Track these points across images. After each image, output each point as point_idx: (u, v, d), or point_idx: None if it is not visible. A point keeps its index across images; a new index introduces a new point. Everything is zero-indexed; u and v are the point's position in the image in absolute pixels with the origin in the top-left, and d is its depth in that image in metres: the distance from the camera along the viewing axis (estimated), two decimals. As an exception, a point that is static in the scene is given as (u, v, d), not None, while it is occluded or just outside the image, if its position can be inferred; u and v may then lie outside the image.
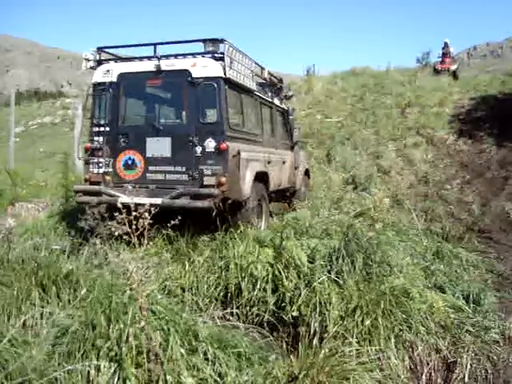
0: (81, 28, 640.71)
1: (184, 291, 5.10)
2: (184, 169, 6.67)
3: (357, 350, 4.16)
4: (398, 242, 6.35)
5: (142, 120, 7.54)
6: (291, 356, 3.86)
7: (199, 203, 6.23)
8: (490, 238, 9.48)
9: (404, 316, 4.55)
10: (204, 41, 6.68)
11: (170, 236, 6.07)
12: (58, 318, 3.82)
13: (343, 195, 10.76)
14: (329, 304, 4.58)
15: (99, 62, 7.31)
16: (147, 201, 5.71)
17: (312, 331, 4.44)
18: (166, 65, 6.77)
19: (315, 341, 4.28)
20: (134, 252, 5.02)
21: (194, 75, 6.58)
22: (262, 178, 7.58)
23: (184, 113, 6.96)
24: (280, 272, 4.99)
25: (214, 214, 6.18)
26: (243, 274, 5.06)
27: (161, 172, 6.80)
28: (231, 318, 4.80)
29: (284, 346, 4.58)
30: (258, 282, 4.98)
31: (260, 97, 8.38)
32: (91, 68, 7.35)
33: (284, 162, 9.25)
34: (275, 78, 9.60)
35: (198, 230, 6.51)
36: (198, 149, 6.56)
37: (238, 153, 6.70)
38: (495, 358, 4.56)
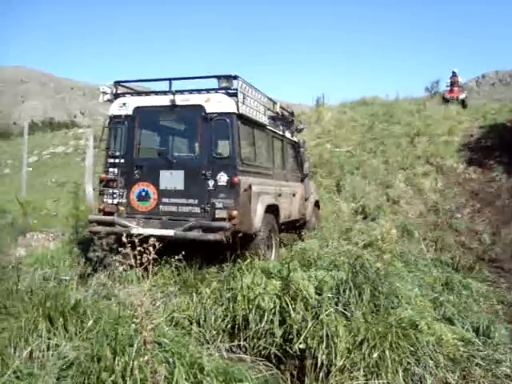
0: (94, 59, 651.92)
1: (191, 323, 5.09)
2: (196, 201, 6.80)
3: (364, 383, 4.11)
4: (406, 273, 6.33)
5: (156, 153, 7.62)
6: (297, 390, 3.83)
7: (211, 236, 6.34)
8: (501, 268, 9.41)
9: (412, 349, 4.48)
10: (218, 77, 6.84)
11: (177, 267, 6.09)
12: (64, 350, 3.84)
13: (352, 225, 10.73)
14: (336, 336, 4.53)
15: (116, 95, 7.52)
16: (160, 232, 6.34)
17: (319, 364, 4.39)
18: (181, 100, 6.97)
19: (322, 374, 4.25)
20: (141, 284, 5.06)
21: (207, 110, 6.76)
22: (272, 210, 7.66)
23: (197, 147, 7.10)
24: (287, 304, 4.95)
25: (224, 246, 6.31)
26: (250, 306, 5.04)
27: (173, 204, 6.91)
28: (238, 350, 4.77)
29: (290, 379, 4.54)
30: (266, 314, 4.94)
31: (271, 130, 8.50)
32: (108, 101, 7.55)
33: (294, 194, 9.30)
34: (287, 111, 9.78)
35: (207, 261, 6.55)
36: (211, 182, 6.71)
37: (250, 187, 6.82)
38: (506, 392, 4.49)
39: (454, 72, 24.10)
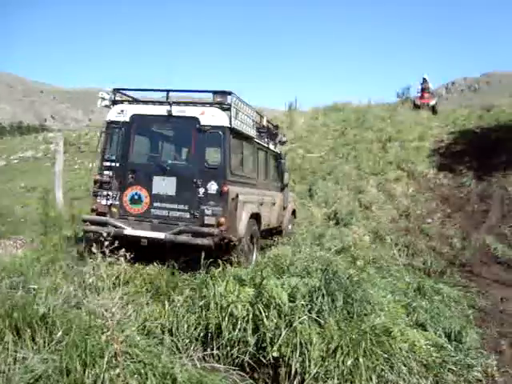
0: (64, 62, 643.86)
1: (164, 332, 5.00)
2: (187, 207, 7.17)
3: (338, 391, 4.10)
4: (379, 279, 6.35)
5: (150, 159, 7.99)
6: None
7: (199, 240, 6.73)
8: (471, 272, 9.53)
9: (386, 355, 4.49)
10: (213, 92, 7.33)
11: (149, 275, 6.01)
12: (32, 363, 3.71)
13: (325, 231, 10.75)
14: (309, 344, 4.51)
15: (114, 102, 7.81)
16: (151, 234, 6.92)
17: (293, 372, 4.37)
18: (177, 111, 7.33)
19: (296, 382, 4.22)
20: (112, 293, 4.95)
21: (202, 122, 7.18)
22: (255, 218, 8.09)
23: (190, 156, 7.58)
24: (260, 312, 4.91)
25: (210, 250, 6.60)
26: (223, 314, 4.97)
27: (164, 208, 7.28)
28: (211, 359, 4.70)
29: (264, 388, 4.50)
30: (239, 322, 4.89)
31: (258, 142, 8.95)
32: (106, 106, 7.85)
33: (274, 203, 9.68)
34: (272, 124, 10.26)
35: (188, 265, 6.51)
36: (201, 190, 7.10)
37: (237, 196, 7.26)
38: (478, 397, 4.52)
39: (424, 78, 24.44)
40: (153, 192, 7.32)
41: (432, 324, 5.51)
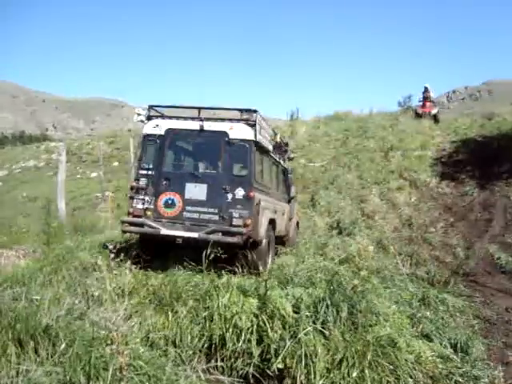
0: (66, 72, 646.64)
1: (167, 343, 4.97)
2: (216, 210, 7.93)
3: (344, 404, 4.06)
4: (383, 290, 6.31)
5: (183, 168, 8.79)
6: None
7: (230, 239, 7.44)
8: (476, 282, 9.48)
9: (391, 367, 4.45)
10: (240, 110, 8.33)
11: (153, 285, 5.97)
12: (35, 376, 3.68)
13: (328, 240, 10.72)
14: (314, 355, 4.48)
15: (149, 117, 8.57)
16: (185, 234, 7.64)
17: (298, 384, 4.33)
18: (209, 126, 8.17)
19: (301, 395, 4.18)
20: (115, 304, 4.93)
21: (230, 136, 8.03)
22: (271, 223, 8.84)
23: (220, 165, 8.29)
24: (265, 323, 4.89)
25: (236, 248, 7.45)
26: (227, 325, 4.96)
27: (196, 212, 8.02)
28: (215, 371, 4.67)
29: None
30: (243, 333, 4.87)
31: (272, 157, 9.85)
32: (141, 121, 8.61)
33: (283, 213, 10.39)
34: (283, 141, 11.00)
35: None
36: (229, 195, 7.89)
37: (259, 202, 8.03)
38: (485, 409, 4.48)
39: (425, 87, 24.46)
40: (185, 197, 8.06)
41: (437, 335, 5.47)
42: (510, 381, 5.03)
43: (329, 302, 5.07)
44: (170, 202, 8.11)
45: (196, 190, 8.07)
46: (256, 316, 5.01)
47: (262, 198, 8.31)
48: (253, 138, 8.04)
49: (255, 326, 4.92)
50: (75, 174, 26.94)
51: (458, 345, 5.36)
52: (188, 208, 8.03)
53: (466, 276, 9.79)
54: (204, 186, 8.05)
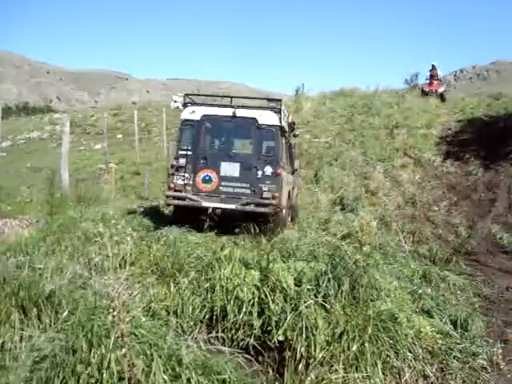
0: (70, 43, 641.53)
1: (169, 313, 5.00)
2: (248, 185, 9.34)
3: (343, 376, 4.08)
4: (385, 265, 6.32)
5: (218, 149, 10.22)
6: (276, 383, 3.78)
7: (262, 209, 9.01)
8: (477, 261, 9.51)
9: (391, 341, 4.47)
10: (268, 99, 10.45)
11: (155, 256, 5.99)
12: (38, 342, 3.71)
13: (331, 216, 10.73)
14: (315, 329, 4.49)
15: (185, 104, 9.89)
16: (223, 205, 9.25)
17: (298, 356, 4.35)
18: (240, 112, 9.53)
19: (301, 367, 4.21)
20: (118, 273, 4.94)
21: (259, 122, 9.44)
22: (288, 194, 10.36)
23: (251, 147, 9.77)
24: (266, 295, 4.90)
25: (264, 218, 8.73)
26: (229, 297, 4.97)
27: (230, 186, 9.40)
28: (216, 341, 4.70)
29: (270, 371, 4.49)
30: (244, 305, 4.88)
31: (287, 136, 11.14)
32: (177, 108, 10.25)
33: (293, 186, 11.69)
34: (293, 121, 12.27)
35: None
36: (259, 172, 9.32)
37: (283, 177, 9.54)
38: (483, 384, 4.51)
39: (433, 65, 24.24)
40: (221, 174, 9.39)
41: (438, 311, 5.48)
42: (508, 357, 5.07)
43: (330, 276, 5.06)
44: (207, 178, 9.41)
45: (230, 168, 9.41)
46: (258, 288, 5.02)
47: (283, 173, 9.72)
48: (278, 123, 9.50)
49: (256, 298, 4.93)
50: (79, 146, 26.95)
51: (458, 321, 5.37)
52: (223, 183, 9.37)
53: (467, 255, 9.83)
54: (237, 165, 9.41)
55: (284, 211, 9.63)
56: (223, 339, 4.78)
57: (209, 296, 5.11)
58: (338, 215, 11.09)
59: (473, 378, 4.53)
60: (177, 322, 4.81)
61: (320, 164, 16.19)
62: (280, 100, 9.73)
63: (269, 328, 4.75)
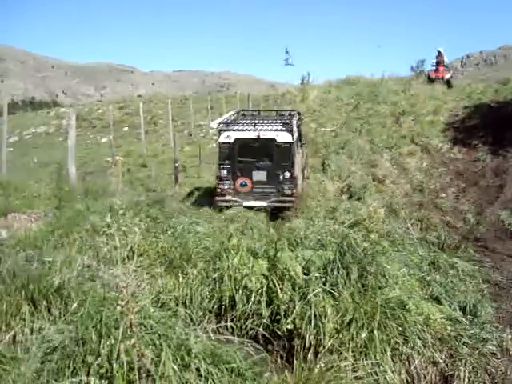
0: (75, 37, 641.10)
1: (177, 304, 5.01)
2: (274, 186, 12.54)
3: (352, 364, 4.09)
4: (393, 253, 6.30)
5: (249, 162, 12.79)
6: (286, 371, 3.79)
7: (286, 204, 12.27)
8: (486, 247, 9.46)
9: (400, 328, 4.47)
10: (281, 115, 14.65)
11: (163, 247, 6.00)
12: (48, 334, 3.73)
13: (338, 204, 10.72)
14: (324, 317, 4.50)
15: (220, 131, 12.86)
16: (258, 203, 11.94)
17: (307, 345, 4.36)
18: (263, 134, 12.46)
19: (310, 355, 4.22)
20: (126, 265, 4.96)
21: (278, 141, 12.45)
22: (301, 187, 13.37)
23: (273, 159, 12.59)
24: (274, 284, 4.90)
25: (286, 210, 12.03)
26: (237, 287, 4.97)
27: (261, 188, 12.64)
28: (225, 331, 4.71)
29: (279, 360, 4.50)
30: (253, 295, 4.88)
31: (299, 132, 14.36)
32: (215, 134, 14.42)
33: (301, 159, 14.38)
34: (299, 113, 15.24)
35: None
36: (281, 177, 12.48)
37: (297, 177, 12.63)
38: (493, 370, 4.51)
39: (439, 51, 24.10)
40: (253, 180, 12.66)
41: (447, 298, 5.47)
42: (518, 343, 5.05)
43: (339, 264, 5.05)
44: (243, 183, 12.68)
45: (260, 175, 12.65)
46: (266, 277, 5.02)
47: (298, 172, 12.88)
48: (291, 140, 12.46)
49: (265, 288, 4.93)
50: (85, 140, 27.00)
51: (467, 308, 5.36)
52: (256, 186, 12.64)
53: (476, 241, 9.78)
54: (264, 173, 12.64)
55: (300, 191, 12.88)
56: (232, 329, 4.78)
57: (217, 286, 5.11)
58: (346, 203, 11.11)
59: (482, 363, 4.53)
60: (185, 313, 4.82)
61: (327, 153, 16.19)
62: (293, 114, 14.16)
63: (277, 317, 4.75)
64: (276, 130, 12.51)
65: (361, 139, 16.80)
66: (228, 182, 12.62)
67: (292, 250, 5.71)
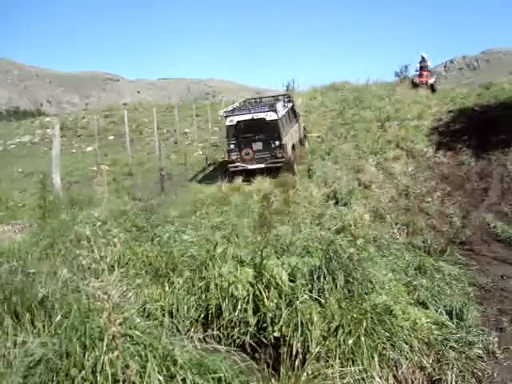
0: (59, 46, 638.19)
1: (164, 313, 4.97)
2: (268, 153, 16.52)
3: (340, 370, 4.08)
4: (379, 258, 6.31)
5: (249, 136, 16.85)
6: (272, 380, 3.77)
7: (279, 164, 16.26)
8: (472, 250, 9.50)
9: (387, 334, 4.47)
10: (273, 97, 19.72)
11: (148, 257, 5.96)
12: (32, 347, 3.67)
13: (324, 210, 10.73)
14: (311, 324, 4.48)
15: (226, 116, 17.17)
16: (258, 166, 16.50)
17: (294, 352, 4.34)
18: (256, 116, 16.51)
19: (297, 362, 4.20)
20: (111, 275, 4.91)
21: (267, 119, 16.34)
22: (292, 147, 17.32)
23: (265, 132, 16.50)
24: (261, 292, 4.88)
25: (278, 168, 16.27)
26: (223, 295, 4.95)
27: (259, 155, 16.63)
28: (212, 340, 4.68)
29: (266, 368, 4.47)
30: (239, 303, 4.86)
31: (288, 110, 18.45)
32: (223, 117, 17.85)
33: (296, 131, 18.82)
34: (289, 96, 20.11)
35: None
36: (272, 145, 16.39)
37: (286, 143, 16.46)
38: (480, 373, 4.52)
39: (422, 57, 24.29)
40: (254, 149, 16.75)
41: (433, 302, 5.48)
42: (504, 346, 5.07)
43: (325, 271, 5.05)
44: (247, 153, 16.81)
45: (258, 145, 16.74)
46: (252, 285, 5.00)
47: (287, 139, 16.82)
48: (277, 118, 16.35)
49: (251, 295, 4.90)
50: (71, 149, 26.84)
51: (454, 312, 5.37)
52: (256, 154, 16.73)
53: (462, 244, 9.83)
54: (261, 143, 16.68)
55: (291, 160, 16.69)
56: (219, 338, 4.75)
57: (203, 295, 5.08)
58: (332, 209, 11.10)
59: (469, 367, 4.53)
60: (172, 322, 4.78)
61: (313, 158, 16.31)
62: (279, 99, 18.60)
63: (264, 325, 4.73)
64: (264, 111, 16.58)
65: (346, 145, 16.94)
66: (236, 153, 16.87)
67: (278, 257, 5.70)
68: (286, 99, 19.17)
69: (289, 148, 16.67)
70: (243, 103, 19.80)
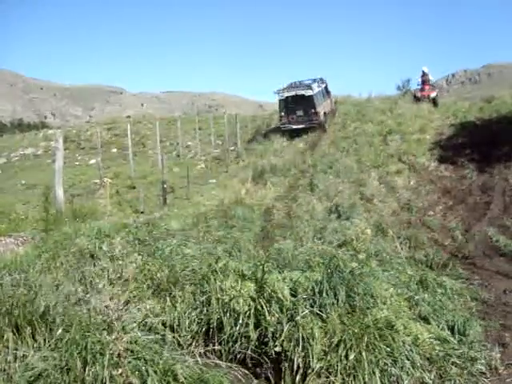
0: (64, 59, 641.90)
1: (165, 328, 4.96)
2: (307, 117, 24.57)
3: (341, 386, 4.06)
4: (381, 273, 6.30)
5: (294, 107, 24.81)
6: (274, 395, 3.76)
7: (314, 124, 24.41)
8: (474, 264, 9.47)
9: (389, 349, 4.44)
10: (313, 80, 26.69)
11: (150, 271, 5.95)
12: (32, 361, 3.67)
13: (326, 224, 10.72)
14: (312, 339, 4.47)
15: (277, 92, 25.35)
16: (300, 126, 24.76)
17: (295, 367, 4.33)
18: (298, 92, 24.80)
19: (298, 378, 4.18)
20: (113, 289, 4.92)
21: (306, 94, 24.49)
22: (324, 114, 25.47)
23: (305, 103, 24.45)
24: (262, 306, 4.87)
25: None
26: (225, 309, 4.94)
27: (301, 118, 24.80)
28: (213, 355, 4.67)
29: (266, 384, 4.46)
30: (240, 317, 4.85)
31: (322, 89, 26.51)
32: (275, 93, 25.81)
33: (328, 104, 26.96)
34: (323, 80, 27.48)
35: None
36: (309, 112, 24.37)
37: (320, 109, 24.72)
38: (482, 390, 4.49)
39: (423, 71, 24.42)
40: (297, 114, 24.72)
41: (435, 317, 5.46)
42: (506, 362, 5.04)
43: (326, 285, 5.04)
44: (294, 116, 24.65)
45: (300, 112, 24.50)
46: (253, 300, 4.99)
47: (320, 108, 24.45)
48: (312, 93, 24.07)
49: (253, 310, 4.89)
50: (74, 161, 26.94)
51: (456, 327, 5.35)
52: (298, 118, 24.54)
53: (464, 259, 9.80)
54: (302, 111, 24.38)
55: (323, 122, 24.13)
56: (220, 352, 4.74)
57: (205, 309, 5.07)
58: (334, 223, 11.07)
59: (472, 383, 4.50)
60: (173, 337, 4.77)
61: (315, 172, 16.24)
62: (317, 80, 26.27)
63: (265, 339, 4.71)
64: (304, 89, 24.31)
65: (348, 158, 16.95)
66: (285, 117, 24.78)
67: (280, 272, 5.70)
68: (320, 81, 26.58)
69: (321, 114, 24.15)
70: (290, 84, 26.11)
